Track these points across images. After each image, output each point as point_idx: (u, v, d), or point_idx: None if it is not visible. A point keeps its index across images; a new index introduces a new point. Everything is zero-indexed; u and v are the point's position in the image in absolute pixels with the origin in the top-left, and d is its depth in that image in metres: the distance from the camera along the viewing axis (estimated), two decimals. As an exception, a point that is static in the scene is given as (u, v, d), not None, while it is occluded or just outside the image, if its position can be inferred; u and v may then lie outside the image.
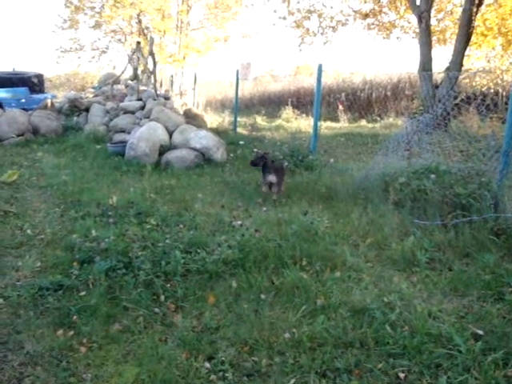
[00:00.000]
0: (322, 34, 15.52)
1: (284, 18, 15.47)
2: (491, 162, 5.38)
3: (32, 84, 16.00)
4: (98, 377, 2.64)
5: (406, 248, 4.19)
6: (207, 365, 2.69)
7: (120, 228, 4.67)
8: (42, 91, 16.62)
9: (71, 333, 3.05)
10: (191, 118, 10.78)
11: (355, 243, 4.47)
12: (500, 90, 13.69)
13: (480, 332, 2.94)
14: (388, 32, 15.63)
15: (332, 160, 8.21)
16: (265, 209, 5.50)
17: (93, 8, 20.33)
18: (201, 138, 8.59)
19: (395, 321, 3.03)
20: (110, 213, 5.24)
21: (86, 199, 5.93)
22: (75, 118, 12.94)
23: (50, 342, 2.93)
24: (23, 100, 14.49)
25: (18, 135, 11.17)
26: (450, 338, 2.85)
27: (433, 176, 5.19)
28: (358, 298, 3.37)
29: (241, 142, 9.81)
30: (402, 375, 2.57)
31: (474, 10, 11.33)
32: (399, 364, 2.65)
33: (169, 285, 3.60)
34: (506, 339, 2.85)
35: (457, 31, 12.25)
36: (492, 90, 13.53)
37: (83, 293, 3.50)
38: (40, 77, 17.03)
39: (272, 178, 6.04)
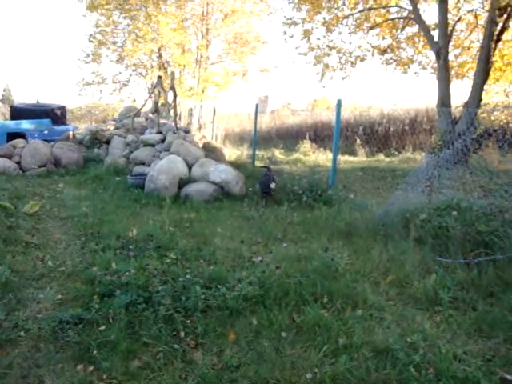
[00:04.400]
0: (341, 69, 15.69)
1: (305, 54, 15.70)
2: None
3: (55, 116, 16.35)
4: (118, 416, 2.61)
5: (428, 286, 4.12)
6: (228, 405, 2.65)
7: (140, 261, 4.69)
8: (64, 123, 16.98)
9: (91, 368, 3.03)
10: (210, 151, 10.90)
11: (376, 281, 4.41)
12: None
13: (509, 377, 2.85)
14: (406, 67, 15.74)
15: (352, 195, 8.20)
16: (285, 245, 5.48)
17: (115, 43, 20.89)
18: (220, 172, 8.66)
19: (419, 362, 2.96)
20: (130, 246, 5.26)
21: (106, 231, 5.97)
22: (96, 150, 13.17)
23: (70, 378, 2.92)
24: (46, 131, 14.80)
25: (40, 166, 11.40)
26: (477, 382, 2.77)
27: (454, 213, 5.13)
28: (381, 337, 3.31)
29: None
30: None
31: (492, 46, 11.41)
32: (425, 408, 2.58)
33: (189, 321, 3.58)
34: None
35: (475, 66, 12.31)
36: (511, 125, 13.50)
37: (103, 327, 3.49)
38: (62, 109, 17.42)
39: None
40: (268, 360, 3.06)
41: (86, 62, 21.17)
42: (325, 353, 3.09)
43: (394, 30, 15.23)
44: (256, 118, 13.89)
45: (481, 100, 11.78)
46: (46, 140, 13.08)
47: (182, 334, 3.42)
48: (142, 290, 3.94)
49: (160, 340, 3.33)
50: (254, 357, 3.12)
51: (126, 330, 3.45)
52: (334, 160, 8.84)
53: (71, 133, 14.16)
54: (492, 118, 13.77)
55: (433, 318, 3.73)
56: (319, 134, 19.82)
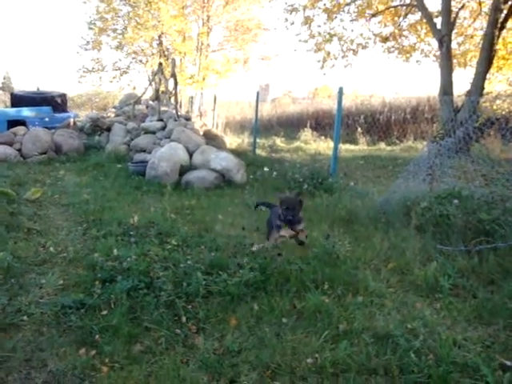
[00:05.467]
0: (342, 57, 15.60)
1: (305, 42, 15.60)
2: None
3: (55, 103, 16.32)
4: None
5: (428, 274, 4.13)
6: (229, 389, 2.68)
7: (141, 248, 4.70)
8: (64, 110, 16.95)
9: (93, 352, 3.06)
10: (211, 139, 10.88)
11: (377, 268, 4.42)
12: (522, 114, 13.58)
13: (508, 363, 2.86)
14: (408, 55, 15.64)
15: (352, 183, 8.20)
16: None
17: (115, 30, 20.74)
18: (221, 160, 8.65)
19: (419, 348, 2.97)
20: (131, 232, 5.28)
21: (108, 218, 5.98)
22: (97, 137, 13.18)
23: (73, 361, 2.94)
24: (46, 119, 14.77)
25: (41, 153, 11.41)
26: (477, 368, 2.79)
27: (455, 201, 5.13)
28: (381, 323, 3.33)
29: (266, 169, 9.75)
30: (427, 406, 2.52)
31: (496, 33, 11.32)
32: (424, 394, 2.60)
33: (190, 306, 3.61)
34: (535, 371, 2.77)
35: (477, 55, 12.23)
36: (513, 114, 13.43)
37: (105, 312, 3.51)
38: (63, 96, 17.38)
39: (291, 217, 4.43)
40: (269, 345, 3.08)
41: (86, 49, 21.06)
42: (325, 338, 3.11)
43: (396, 18, 15.12)
44: (257, 106, 13.85)
45: (483, 89, 11.71)
46: (46, 127, 13.07)
47: (184, 319, 3.44)
48: (143, 275, 3.96)
49: (161, 325, 3.35)
50: (255, 342, 3.14)
51: (127, 314, 3.47)
52: (335, 148, 8.82)
53: (72, 120, 14.14)
54: (494, 106, 13.71)
55: (433, 304, 3.75)
56: (320, 123, 19.78)
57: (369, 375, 2.76)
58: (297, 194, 4.74)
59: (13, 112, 14.70)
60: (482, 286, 4.04)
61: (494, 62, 12.49)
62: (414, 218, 5.27)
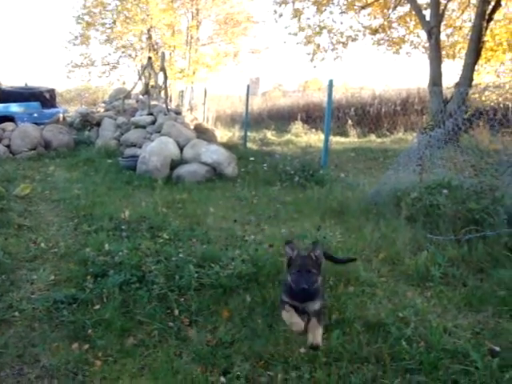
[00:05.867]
0: (332, 49, 15.62)
1: (295, 34, 15.59)
2: (504, 176, 5.37)
3: (44, 99, 16.16)
4: (114, 390, 2.64)
5: (419, 263, 4.17)
6: (222, 379, 2.69)
7: (133, 242, 4.68)
8: (53, 106, 16.79)
9: (86, 346, 3.06)
10: (201, 133, 10.85)
11: (368, 258, 4.46)
12: (510, 105, 13.66)
13: (497, 348, 2.90)
14: (397, 47, 15.70)
15: (342, 174, 8.22)
16: (277, 223, 5.51)
17: (104, 24, 20.61)
18: (212, 153, 8.64)
19: (410, 336, 3.01)
20: (122, 227, 5.26)
21: (99, 213, 5.96)
22: (87, 133, 13.10)
23: (66, 356, 2.94)
24: (35, 114, 14.65)
25: (31, 149, 11.33)
26: (467, 354, 2.83)
27: (445, 191, 5.17)
28: (373, 312, 3.36)
29: (252, 159, 9.82)
30: (419, 392, 2.55)
31: (484, 25, 11.37)
32: (416, 380, 2.63)
33: (183, 299, 3.62)
34: (523, 356, 2.81)
35: (466, 46, 12.29)
36: (502, 105, 13.51)
37: (97, 306, 3.51)
38: (52, 91, 17.22)
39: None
40: (262, 336, 3.10)
41: (75, 44, 20.93)
42: (318, 328, 3.13)
43: (385, 10, 15.16)
44: (247, 99, 13.83)
45: (472, 80, 11.78)
46: (35, 123, 12.96)
47: (176, 312, 3.45)
48: (135, 269, 3.96)
49: (154, 318, 3.36)
50: (247, 333, 3.16)
51: (120, 308, 3.48)
52: (326, 140, 8.85)
53: (61, 115, 14.03)
54: (483, 98, 13.78)
55: (424, 293, 3.79)
56: (311, 115, 19.79)
57: (361, 363, 2.79)
58: (314, 245, 3.07)
59: (0, 108, 14.55)
60: (471, 275, 4.09)
61: (483, 53, 12.56)
62: (405, 208, 5.31)
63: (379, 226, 5.21)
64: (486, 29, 11.71)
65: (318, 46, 15.59)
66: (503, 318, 3.36)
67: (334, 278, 3.88)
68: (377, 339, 3.01)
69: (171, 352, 2.98)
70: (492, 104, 13.45)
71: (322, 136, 11.13)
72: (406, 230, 5.00)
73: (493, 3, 11.45)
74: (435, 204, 5.12)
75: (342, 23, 17.24)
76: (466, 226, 4.74)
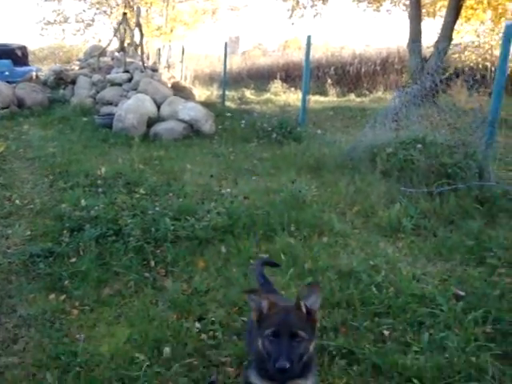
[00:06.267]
0: (311, 6, 15.35)
1: (273, -11, 15.27)
2: (477, 132, 5.44)
3: (15, 56, 15.68)
4: (91, 337, 2.70)
5: (392, 215, 4.25)
6: (198, 325, 2.76)
7: (109, 197, 4.68)
8: (26, 64, 16.31)
9: (63, 297, 3.11)
10: (179, 91, 10.68)
11: (342, 211, 4.53)
12: (489, 65, 13.70)
13: (462, 293, 3.03)
14: (378, 4, 15.50)
15: (320, 131, 8.24)
16: (254, 178, 5.53)
17: (77, -21, 19.85)
18: (189, 110, 8.55)
19: (380, 283, 3.11)
20: (98, 182, 5.25)
21: (75, 170, 5.92)
22: (61, 91, 12.80)
23: (43, 306, 2.98)
24: (7, 73, 14.23)
25: (3, 108, 11.06)
26: (433, 299, 2.94)
27: (419, 145, 5.24)
28: (345, 261, 3.45)
29: (228, 114, 9.77)
30: (386, 333, 2.66)
31: (464, -18, 11.27)
32: (384, 322, 2.73)
33: (159, 251, 3.66)
34: (485, 299, 2.93)
35: (446, 4, 12.19)
36: (481, 65, 13.53)
37: (74, 259, 3.54)
38: (24, 49, 16.69)
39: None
40: (236, 284, 3.17)
41: (46, 0, 20.12)
42: (291, 276, 3.21)
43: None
44: (226, 57, 13.61)
45: (451, 39, 11.74)
46: (7, 82, 12.58)
47: (152, 263, 3.50)
48: (111, 223, 3.98)
49: (130, 269, 3.40)
50: (222, 282, 3.23)
51: (96, 261, 3.51)
52: (304, 97, 8.80)
53: (34, 74, 13.63)
54: (463, 58, 13.78)
55: (395, 243, 3.89)
56: (290, 75, 19.59)
57: (332, 308, 2.88)
58: (310, 289, 1.89)
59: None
60: (442, 226, 4.19)
61: (463, 11, 12.48)
62: (380, 163, 5.37)
63: (354, 180, 5.27)
64: (467, -14, 11.61)
65: (297, 2, 15.31)
66: (470, 266, 3.48)
67: (308, 229, 3.96)
68: (348, 286, 3.10)
69: (147, 301, 3.04)
70: (471, 64, 13.47)
71: (300, 95, 11.06)
72: (381, 184, 5.08)
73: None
74: (409, 159, 5.19)
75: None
76: (439, 179, 4.84)
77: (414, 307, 2.86)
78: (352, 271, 3.28)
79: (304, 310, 1.79)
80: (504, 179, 5.25)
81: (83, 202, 4.50)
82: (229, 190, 4.72)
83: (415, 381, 2.27)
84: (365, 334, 2.64)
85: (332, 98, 15.89)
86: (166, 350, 2.53)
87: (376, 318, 2.77)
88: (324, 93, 16.54)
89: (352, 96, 15.97)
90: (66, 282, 3.25)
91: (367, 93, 16.44)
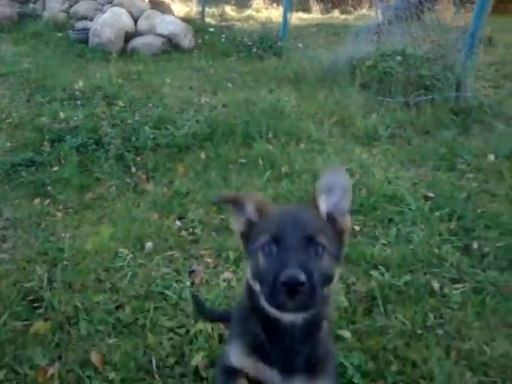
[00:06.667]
0: None
1: None
2: (457, 45, 5.42)
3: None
4: (76, 236, 2.81)
5: (369, 125, 4.34)
6: (178, 223, 2.90)
7: (88, 109, 4.67)
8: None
9: (47, 201, 3.21)
10: (157, 5, 10.21)
11: (321, 121, 4.58)
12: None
13: (430, 194, 3.19)
14: None
15: (301, 45, 8.10)
16: (233, 88, 5.51)
17: None
18: (168, 24, 8.29)
19: (354, 184, 3.22)
20: (77, 95, 5.19)
21: (51, 85, 5.82)
22: (31, 5, 12.15)
23: (28, 210, 3.09)
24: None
25: (-34, 24, 10.54)
26: (403, 199, 3.10)
27: (398, 57, 5.23)
28: (321, 166, 3.56)
29: (210, 29, 9.49)
30: (357, 228, 2.82)
31: None
32: (355, 219, 2.88)
33: (139, 158, 3.73)
34: (452, 200, 3.09)
35: None
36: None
37: (56, 168, 3.61)
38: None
39: None
40: (215, 186, 3.28)
41: None
42: (268, 179, 3.33)
43: None
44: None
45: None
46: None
47: (134, 169, 3.59)
48: (91, 133, 4.01)
49: (112, 175, 3.49)
50: (202, 185, 3.34)
51: (78, 168, 3.60)
52: (285, 11, 8.56)
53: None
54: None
55: (371, 151, 4.00)
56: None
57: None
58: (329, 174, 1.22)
59: None
60: (417, 136, 4.31)
61: None
62: (359, 75, 5.37)
63: (334, 93, 5.29)
64: None
65: None
66: (441, 171, 3.63)
67: (286, 137, 4.03)
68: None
69: (129, 203, 3.15)
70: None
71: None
72: (360, 96, 5.11)
73: None
74: (389, 71, 5.20)
75: None
76: (417, 91, 4.88)
77: (385, 206, 3.02)
78: (317, 174, 3.40)
79: (324, 209, 1.15)
80: (481, 92, 5.32)
81: (62, 115, 4.49)
82: (208, 99, 4.72)
83: (381, 267, 2.45)
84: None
85: (316, 14, 15.42)
86: (149, 244, 2.67)
87: (348, 215, 2.92)
88: (307, 9, 16.01)
89: (336, 13, 15.52)
90: (49, 188, 3.33)
91: (352, 9, 15.97)
